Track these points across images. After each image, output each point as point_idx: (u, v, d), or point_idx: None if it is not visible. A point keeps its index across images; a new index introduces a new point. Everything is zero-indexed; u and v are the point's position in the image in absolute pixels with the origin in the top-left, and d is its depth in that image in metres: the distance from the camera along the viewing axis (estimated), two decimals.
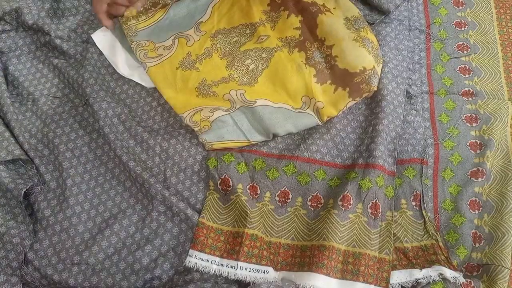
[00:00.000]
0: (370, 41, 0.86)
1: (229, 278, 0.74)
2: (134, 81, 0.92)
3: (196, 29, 0.92)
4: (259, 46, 0.89)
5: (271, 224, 0.80)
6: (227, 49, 0.90)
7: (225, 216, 0.80)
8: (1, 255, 0.75)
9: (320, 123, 0.85)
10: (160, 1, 0.97)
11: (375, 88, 0.84)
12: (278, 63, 0.87)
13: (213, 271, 0.75)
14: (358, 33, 0.86)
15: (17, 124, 0.87)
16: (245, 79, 0.87)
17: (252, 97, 0.85)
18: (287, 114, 0.84)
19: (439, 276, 0.73)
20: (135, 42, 0.91)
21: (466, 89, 0.91)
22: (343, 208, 0.77)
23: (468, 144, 0.85)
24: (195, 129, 0.84)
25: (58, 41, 0.95)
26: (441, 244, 0.77)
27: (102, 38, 0.95)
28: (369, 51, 0.84)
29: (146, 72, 0.89)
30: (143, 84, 0.91)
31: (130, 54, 0.93)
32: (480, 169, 0.82)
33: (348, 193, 0.78)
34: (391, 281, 0.73)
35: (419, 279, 0.73)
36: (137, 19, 0.95)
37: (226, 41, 0.90)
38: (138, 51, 0.90)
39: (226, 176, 0.81)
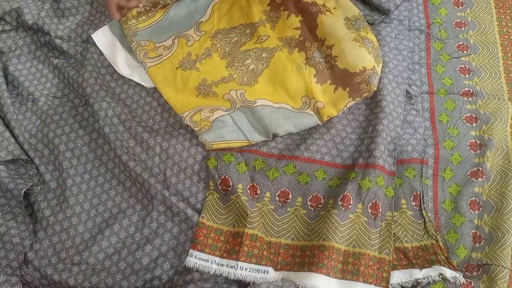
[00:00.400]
0: (370, 41, 0.86)
1: (229, 278, 0.74)
2: (134, 81, 0.92)
3: (196, 29, 0.92)
4: (259, 46, 0.89)
5: (271, 224, 0.80)
6: (227, 49, 0.90)
7: (225, 216, 0.80)
8: (1, 255, 0.75)
9: (320, 123, 0.85)
10: (160, 1, 0.97)
11: (375, 88, 0.84)
12: (278, 63, 0.87)
13: (213, 271, 0.75)
14: (358, 33, 0.86)
15: (17, 124, 0.87)
16: (245, 79, 0.87)
17: (252, 97, 0.84)
18: (287, 114, 0.84)
19: (439, 276, 0.73)
20: (135, 42, 0.91)
21: (466, 89, 0.91)
22: (343, 208, 0.77)
23: (468, 144, 0.85)
24: (195, 129, 0.84)
25: (58, 41, 0.95)
26: (441, 244, 0.77)
27: (102, 38, 0.95)
28: (369, 51, 0.84)
29: (146, 72, 0.89)
30: (143, 84, 0.91)
31: (130, 54, 0.93)
32: (480, 169, 0.82)
33: (348, 193, 0.78)
34: (391, 281, 0.73)
35: (419, 279, 0.73)
36: (137, 19, 0.95)
37: (226, 41, 0.90)
38: (138, 51, 0.90)
39: (226, 176, 0.81)
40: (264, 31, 0.90)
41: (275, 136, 0.86)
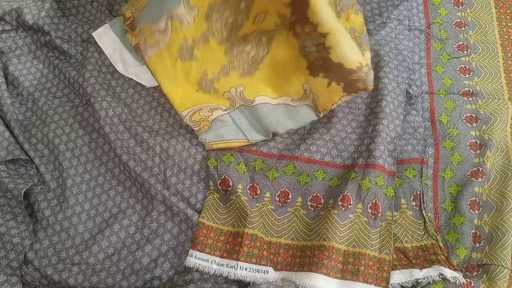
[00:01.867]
0: (353, 29, 0.79)
1: (229, 278, 0.74)
2: (135, 81, 0.92)
3: (185, 2, 0.79)
4: (257, 28, 0.80)
5: (271, 224, 0.80)
6: (224, 34, 0.81)
7: (225, 216, 0.80)
8: (1, 255, 0.75)
9: (317, 116, 0.83)
10: None
11: (372, 87, 0.78)
12: (278, 48, 0.81)
13: (213, 271, 0.75)
14: (340, 19, 0.76)
15: (17, 124, 0.87)
16: (245, 67, 0.83)
17: (251, 95, 0.84)
18: (286, 111, 0.84)
19: (439, 276, 0.73)
20: (138, 28, 0.86)
21: (466, 89, 0.91)
22: (343, 208, 0.77)
23: (468, 144, 0.85)
24: (195, 129, 0.84)
25: (58, 41, 0.96)
26: (441, 244, 0.77)
27: (103, 37, 0.95)
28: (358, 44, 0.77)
29: (147, 61, 0.83)
30: (143, 83, 0.91)
31: (131, 52, 0.93)
32: (480, 169, 0.82)
33: (348, 193, 0.78)
34: (391, 281, 0.73)
35: (419, 279, 0.73)
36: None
37: (222, 23, 0.80)
38: (139, 37, 0.85)
39: (226, 176, 0.81)
40: (261, 4, 0.78)
41: (275, 134, 0.86)
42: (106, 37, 0.95)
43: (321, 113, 0.83)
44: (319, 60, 0.76)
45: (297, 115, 0.83)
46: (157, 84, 0.91)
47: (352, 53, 0.74)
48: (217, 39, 0.81)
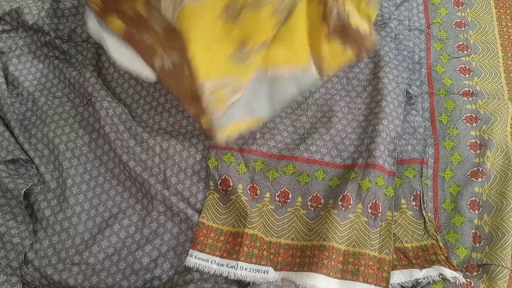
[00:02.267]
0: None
1: (229, 278, 0.74)
2: (135, 81, 0.92)
3: None
4: None
5: (271, 224, 0.80)
6: (283, 6, 0.73)
7: (225, 216, 0.80)
8: (1, 255, 0.75)
9: (319, 79, 0.81)
10: None
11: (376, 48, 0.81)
12: (297, 15, 0.76)
13: (213, 271, 0.75)
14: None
15: (17, 124, 0.87)
16: (270, 35, 0.76)
17: (265, 63, 0.77)
18: (295, 80, 0.79)
19: (439, 276, 0.73)
20: None
21: (466, 89, 0.91)
22: (343, 208, 0.77)
23: (468, 144, 0.85)
24: (210, 109, 0.74)
25: (58, 41, 0.96)
26: (441, 244, 0.77)
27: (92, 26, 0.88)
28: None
29: (180, 12, 0.70)
30: (136, 73, 0.84)
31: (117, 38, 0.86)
32: (480, 169, 0.82)
33: (348, 193, 0.78)
34: (391, 281, 0.73)
35: (419, 279, 0.73)
36: None
37: None
38: None
39: (227, 176, 0.81)
40: None
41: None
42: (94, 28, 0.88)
43: (324, 77, 0.82)
44: (340, 26, 0.77)
45: (301, 81, 0.79)
46: (156, 82, 0.90)
47: (361, 21, 0.77)
48: (273, 7, 0.72)
